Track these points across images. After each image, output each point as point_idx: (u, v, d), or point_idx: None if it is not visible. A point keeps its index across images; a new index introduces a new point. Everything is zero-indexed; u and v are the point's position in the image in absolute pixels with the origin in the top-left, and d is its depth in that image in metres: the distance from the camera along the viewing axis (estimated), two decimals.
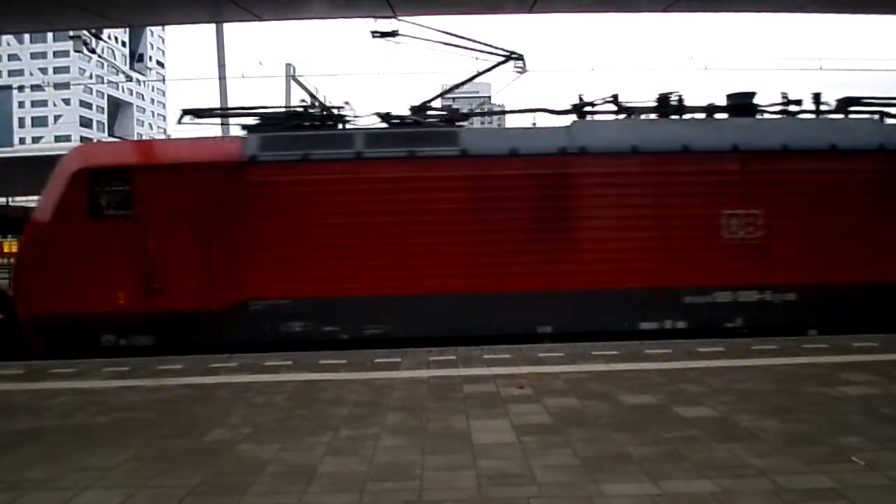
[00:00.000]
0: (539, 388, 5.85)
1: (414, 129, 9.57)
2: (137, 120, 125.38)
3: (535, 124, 10.76)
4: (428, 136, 9.28)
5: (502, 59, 9.93)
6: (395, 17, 9.32)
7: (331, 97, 29.51)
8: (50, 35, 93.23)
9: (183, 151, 9.47)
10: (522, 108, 10.28)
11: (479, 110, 9.81)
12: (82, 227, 8.86)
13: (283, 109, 9.87)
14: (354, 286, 8.81)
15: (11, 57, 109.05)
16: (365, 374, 6.66)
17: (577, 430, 4.67)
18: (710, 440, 4.38)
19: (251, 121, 10.14)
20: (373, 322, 8.85)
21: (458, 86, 10.32)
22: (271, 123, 9.78)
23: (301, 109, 10.04)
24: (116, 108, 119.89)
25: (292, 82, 25.50)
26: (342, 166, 8.96)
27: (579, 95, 10.01)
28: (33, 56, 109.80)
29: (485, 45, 9.93)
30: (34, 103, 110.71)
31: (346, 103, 10.11)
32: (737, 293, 9.01)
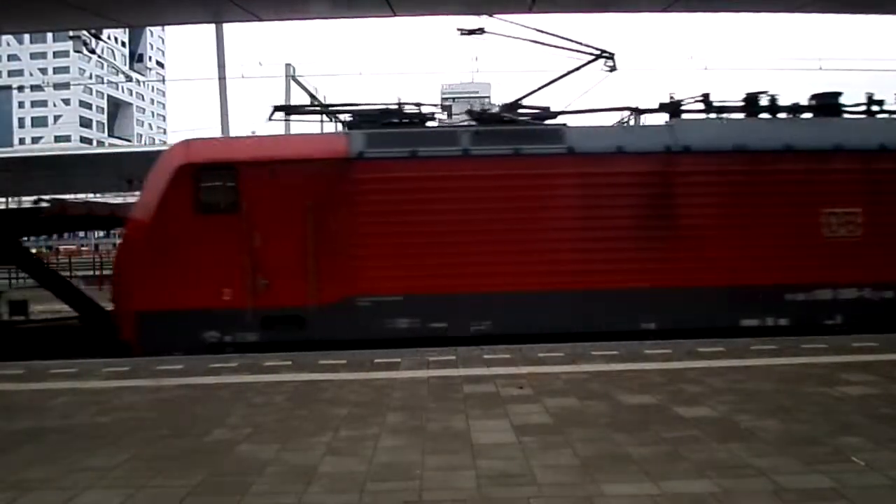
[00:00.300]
0: (539, 389, 5.85)
1: (521, 126, 9.66)
2: (137, 120, 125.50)
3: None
4: (534, 134, 9.38)
5: (592, 57, 9.95)
6: (394, 16, 9.32)
7: (330, 97, 29.48)
8: (50, 35, 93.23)
9: (289, 147, 9.57)
10: (608, 107, 10.27)
11: (567, 108, 9.71)
12: (187, 223, 8.83)
13: (374, 107, 9.93)
14: (461, 283, 8.85)
15: (11, 57, 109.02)
16: (365, 374, 6.66)
17: (576, 430, 4.67)
18: (710, 440, 4.38)
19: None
20: (479, 319, 8.91)
21: (547, 84, 10.30)
22: (366, 121, 9.84)
23: (394, 107, 10.04)
24: (116, 108, 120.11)
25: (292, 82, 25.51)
26: (450, 163, 9.03)
27: (670, 95, 10.15)
28: (33, 56, 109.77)
29: (574, 42, 9.95)
30: (34, 103, 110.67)
31: (445, 100, 10.13)
32: (837, 290, 9.12)
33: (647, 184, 9.10)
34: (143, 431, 4.90)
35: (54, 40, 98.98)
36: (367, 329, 8.72)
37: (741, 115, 10.01)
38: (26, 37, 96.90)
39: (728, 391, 5.62)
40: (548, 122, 9.99)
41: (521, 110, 10.06)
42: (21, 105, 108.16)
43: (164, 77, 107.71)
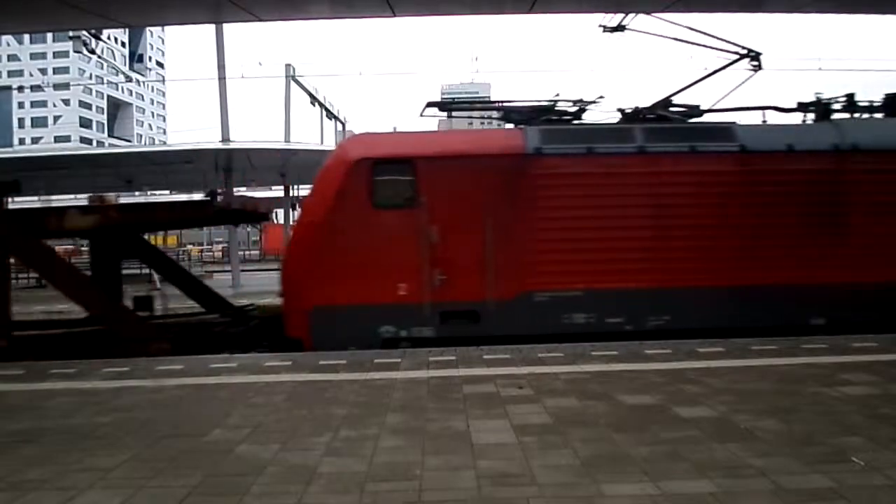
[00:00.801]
0: (539, 389, 5.86)
1: (694, 124, 9.82)
2: (137, 120, 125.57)
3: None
4: (707, 131, 9.46)
5: (737, 56, 9.99)
6: (394, 16, 9.32)
7: (330, 97, 29.48)
8: (50, 35, 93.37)
9: (467, 142, 9.60)
10: (749, 105, 10.47)
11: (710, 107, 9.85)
12: (363, 218, 8.83)
13: (528, 104, 10.09)
14: (639, 278, 8.92)
15: (11, 57, 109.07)
16: (364, 374, 6.66)
17: (576, 430, 4.67)
18: (710, 440, 4.38)
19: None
20: (657, 314, 8.96)
21: (695, 83, 10.39)
22: (525, 118, 9.89)
23: (548, 103, 10.09)
24: (116, 108, 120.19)
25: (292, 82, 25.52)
26: (626, 160, 9.09)
27: (816, 94, 10.25)
28: (33, 56, 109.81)
29: (720, 40, 9.98)
30: (34, 104, 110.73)
31: (601, 97, 10.21)
32: None
33: (816, 181, 9.21)
34: (143, 431, 4.90)
35: (54, 40, 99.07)
36: (543, 324, 8.77)
37: (881, 115, 10.17)
38: (26, 37, 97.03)
39: (728, 391, 5.62)
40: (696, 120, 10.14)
41: (672, 108, 10.22)
42: (21, 105, 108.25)
43: (164, 77, 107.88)
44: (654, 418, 4.92)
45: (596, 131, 9.44)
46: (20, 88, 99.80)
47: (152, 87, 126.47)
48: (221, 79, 20.81)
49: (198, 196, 33.62)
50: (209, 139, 26.34)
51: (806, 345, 7.52)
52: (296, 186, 31.64)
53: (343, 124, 32.87)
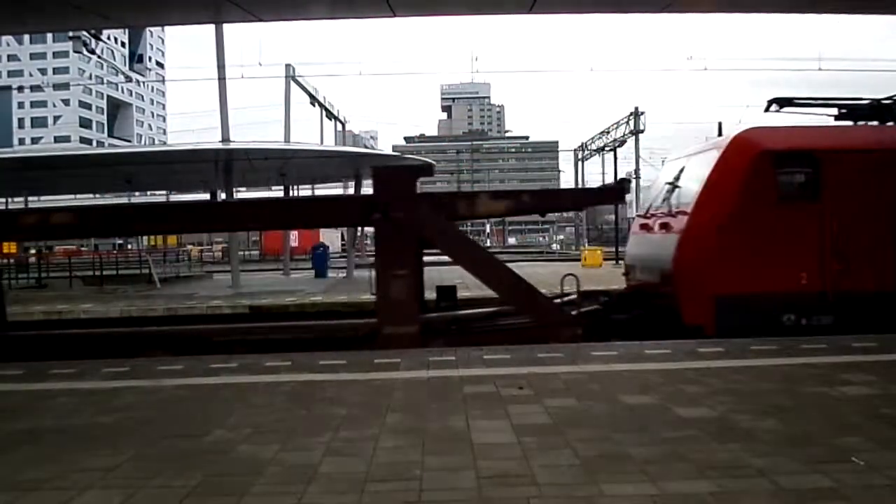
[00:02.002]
0: (539, 389, 5.86)
1: None
2: (137, 121, 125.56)
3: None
4: None
5: None
6: (394, 16, 9.32)
7: (331, 97, 29.49)
8: (49, 35, 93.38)
9: (869, 137, 9.85)
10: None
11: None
12: (766, 209, 9.04)
13: (866, 101, 10.47)
14: None
15: (11, 57, 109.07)
16: (364, 374, 6.66)
17: (576, 430, 4.67)
18: (710, 440, 4.38)
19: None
20: None
21: None
22: (871, 115, 10.20)
23: (890, 101, 10.32)
24: (116, 108, 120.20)
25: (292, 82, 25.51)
26: None
27: None
28: (33, 56, 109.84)
29: None
30: (34, 104, 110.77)
31: None
32: None
33: None
34: (143, 432, 4.90)
35: (54, 40, 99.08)
36: None
37: None
38: (26, 37, 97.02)
39: (728, 391, 5.63)
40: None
41: None
42: (21, 105, 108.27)
43: (163, 77, 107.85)
44: (654, 418, 4.92)
45: None
46: (20, 88, 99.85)
47: (152, 87, 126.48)
48: (221, 79, 20.81)
49: (200, 196, 33.64)
50: (209, 139, 26.40)
51: (806, 345, 7.52)
52: (295, 187, 31.65)
53: (343, 124, 32.88)
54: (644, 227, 10.96)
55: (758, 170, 9.12)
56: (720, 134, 11.63)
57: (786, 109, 10.92)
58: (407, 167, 9.74)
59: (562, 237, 79.88)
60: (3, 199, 33.59)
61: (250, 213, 10.84)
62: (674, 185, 10.24)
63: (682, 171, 10.32)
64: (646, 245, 10.75)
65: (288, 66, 25.39)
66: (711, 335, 8.54)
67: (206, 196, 31.79)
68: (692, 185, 9.73)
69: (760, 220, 9.03)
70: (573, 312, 9.90)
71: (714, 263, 9.01)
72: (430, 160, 34.05)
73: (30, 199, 33.48)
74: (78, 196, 35.72)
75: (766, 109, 10.84)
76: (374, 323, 9.08)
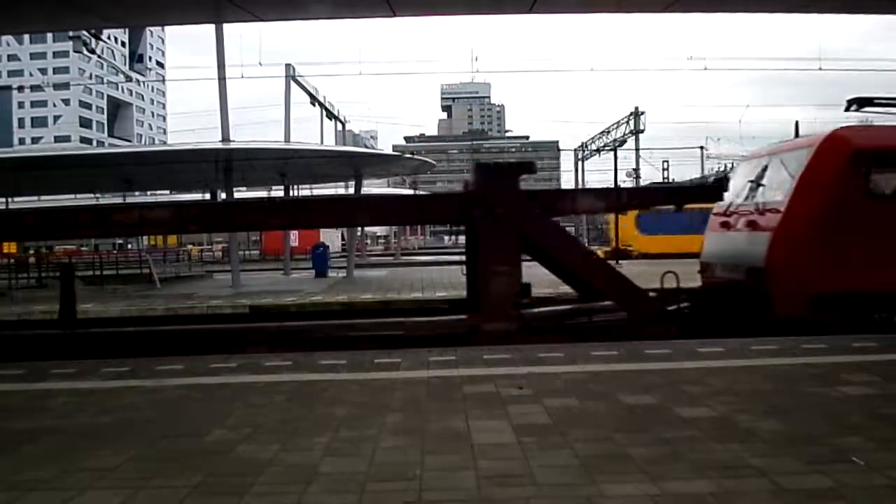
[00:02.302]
0: (539, 389, 5.86)
1: None
2: (137, 120, 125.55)
3: None
4: None
5: None
6: (394, 16, 9.32)
7: (330, 97, 29.48)
8: (50, 35, 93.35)
9: None
10: None
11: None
12: (860, 208, 9.17)
13: None
14: None
15: (11, 57, 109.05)
16: (365, 374, 6.66)
17: (576, 430, 4.67)
18: (710, 440, 4.38)
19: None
20: None
21: None
22: None
23: None
24: (116, 108, 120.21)
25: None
26: None
27: None
28: (33, 56, 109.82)
29: None
30: (34, 104, 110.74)
31: None
32: None
33: None
34: (143, 431, 4.90)
35: (54, 40, 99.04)
36: None
37: None
38: (26, 37, 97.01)
39: (728, 391, 5.62)
40: None
41: None
42: (21, 105, 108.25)
43: (163, 77, 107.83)
44: (654, 418, 4.92)
45: None
46: (20, 88, 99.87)
47: (152, 87, 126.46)
48: (221, 79, 20.79)
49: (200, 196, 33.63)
50: (209, 139, 26.40)
51: (806, 345, 7.52)
52: (295, 186, 31.65)
53: (343, 124, 32.86)
54: (725, 224, 10.97)
55: (852, 168, 9.22)
56: (797, 135, 11.70)
57: (866, 109, 11.02)
58: (509, 164, 9.90)
59: None
60: (3, 199, 33.57)
61: (363, 207, 11.44)
62: (757, 183, 10.31)
63: (765, 169, 10.39)
64: (728, 243, 10.78)
65: (288, 65, 25.37)
66: (804, 333, 8.56)
67: (207, 196, 31.82)
68: (782, 183, 9.82)
69: (854, 219, 9.13)
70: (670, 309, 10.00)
71: (807, 261, 9.12)
72: (430, 160, 34.07)
73: (29, 199, 33.50)
74: (78, 196, 35.72)
75: (847, 109, 10.92)
76: (473, 319, 9.16)
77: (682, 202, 10.88)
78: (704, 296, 10.90)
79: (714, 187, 11.02)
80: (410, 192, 42.33)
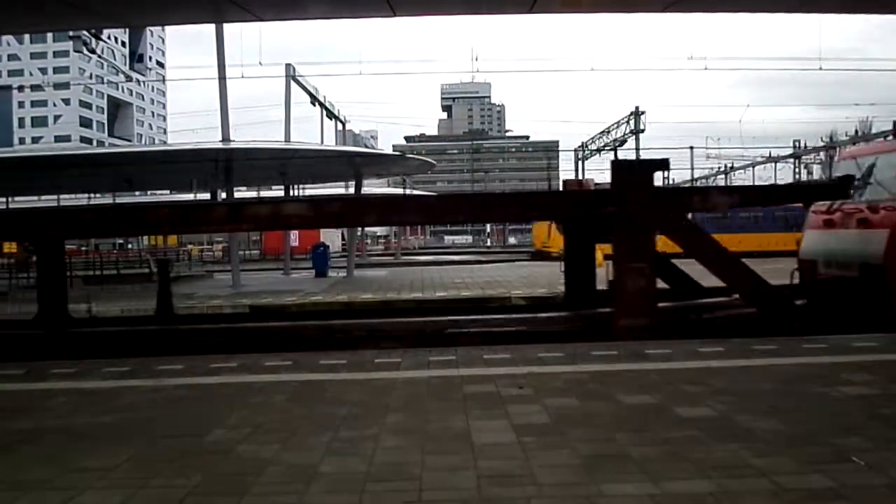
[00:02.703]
0: (539, 389, 5.86)
1: None
2: (137, 120, 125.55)
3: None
4: None
5: None
6: (394, 16, 9.32)
7: (330, 97, 29.47)
8: (50, 35, 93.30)
9: None
10: None
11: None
12: None
13: None
14: None
15: (11, 57, 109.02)
16: (365, 374, 6.66)
17: (576, 430, 4.67)
18: (710, 440, 4.38)
19: None
20: None
21: None
22: None
23: None
24: (116, 108, 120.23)
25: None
26: None
27: None
28: (33, 56, 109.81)
29: None
30: (34, 103, 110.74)
31: None
32: None
33: None
34: (143, 431, 4.90)
35: (54, 40, 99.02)
36: None
37: None
38: (26, 37, 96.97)
39: (728, 391, 5.62)
40: None
41: None
42: (21, 105, 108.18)
43: (164, 77, 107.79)
44: (654, 418, 4.92)
45: None
46: (20, 88, 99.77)
47: (152, 87, 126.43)
48: (221, 79, 20.80)
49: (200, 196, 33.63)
50: (209, 139, 26.41)
51: (806, 345, 7.51)
52: (295, 186, 31.65)
53: (343, 124, 32.85)
54: (829, 222, 10.93)
55: None
56: None
57: None
58: (643, 161, 10.11)
59: None
60: (3, 199, 33.58)
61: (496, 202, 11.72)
62: (865, 182, 10.28)
63: (873, 166, 10.39)
64: (835, 240, 10.73)
65: (288, 65, 25.38)
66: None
67: (206, 196, 31.80)
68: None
69: None
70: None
71: None
72: (431, 160, 34.08)
73: (30, 199, 33.51)
74: (77, 196, 35.73)
75: None
76: (608, 313, 9.30)
77: (808, 199, 10.99)
78: (812, 292, 10.88)
79: (839, 185, 11.12)
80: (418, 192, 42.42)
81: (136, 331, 10.49)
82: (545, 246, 35.05)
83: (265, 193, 35.28)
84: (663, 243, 9.48)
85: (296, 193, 31.40)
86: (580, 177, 48.64)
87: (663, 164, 9.92)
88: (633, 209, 9.09)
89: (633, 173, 9.63)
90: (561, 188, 11.28)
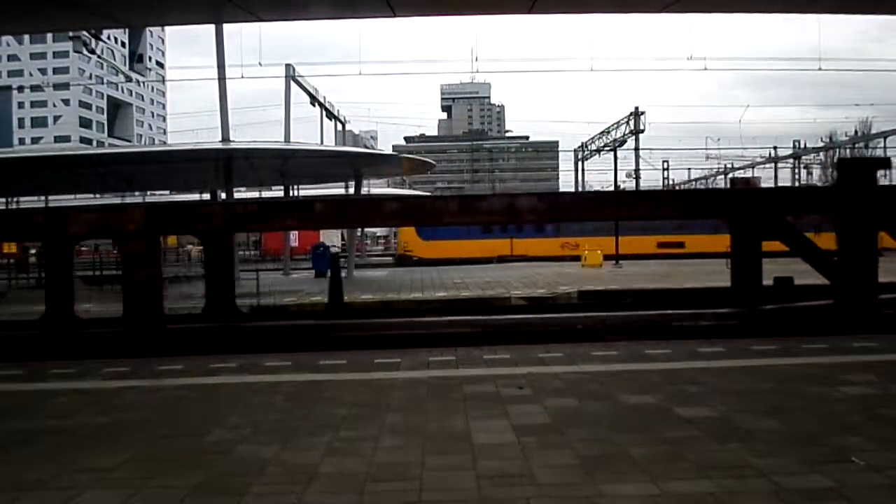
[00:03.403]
0: (539, 389, 5.86)
1: None
2: (137, 120, 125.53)
3: None
4: None
5: None
6: (394, 16, 9.32)
7: (330, 97, 29.47)
8: (50, 35, 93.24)
9: None
10: None
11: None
12: None
13: None
14: None
15: (11, 57, 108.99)
16: (365, 374, 6.66)
17: (576, 430, 4.67)
18: (710, 440, 4.38)
19: None
20: None
21: None
22: None
23: None
24: (116, 108, 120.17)
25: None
26: None
27: None
28: (33, 56, 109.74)
29: None
30: (34, 104, 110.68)
31: None
32: None
33: None
34: (143, 431, 4.90)
35: (54, 40, 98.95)
36: None
37: None
38: (26, 37, 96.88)
39: (728, 391, 5.62)
40: None
41: None
42: (21, 105, 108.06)
43: (163, 77, 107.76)
44: (654, 418, 4.92)
45: None
46: (20, 88, 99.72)
47: (152, 87, 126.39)
48: (221, 79, 20.79)
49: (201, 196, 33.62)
50: (209, 139, 26.42)
51: (806, 345, 7.52)
52: (295, 186, 31.63)
53: (343, 124, 32.85)
54: None
55: None
56: None
57: None
58: (867, 159, 10.37)
59: None
60: (3, 199, 33.58)
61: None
62: None
63: None
64: None
65: (288, 66, 25.35)
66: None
67: (207, 196, 31.81)
68: None
69: None
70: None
71: None
72: (430, 160, 34.08)
73: (29, 198, 33.50)
74: (78, 196, 35.71)
75: None
76: (822, 307, 9.53)
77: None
78: None
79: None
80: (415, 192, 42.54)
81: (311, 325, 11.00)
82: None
83: (266, 194, 35.25)
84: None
85: (295, 194, 31.37)
86: (580, 177, 48.63)
87: (886, 163, 10.09)
88: (857, 208, 9.21)
89: (857, 172, 9.71)
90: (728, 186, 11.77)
